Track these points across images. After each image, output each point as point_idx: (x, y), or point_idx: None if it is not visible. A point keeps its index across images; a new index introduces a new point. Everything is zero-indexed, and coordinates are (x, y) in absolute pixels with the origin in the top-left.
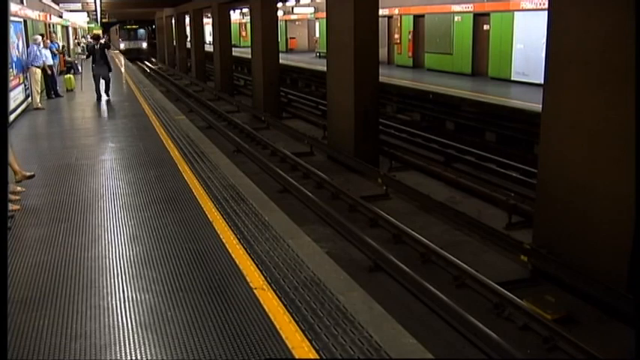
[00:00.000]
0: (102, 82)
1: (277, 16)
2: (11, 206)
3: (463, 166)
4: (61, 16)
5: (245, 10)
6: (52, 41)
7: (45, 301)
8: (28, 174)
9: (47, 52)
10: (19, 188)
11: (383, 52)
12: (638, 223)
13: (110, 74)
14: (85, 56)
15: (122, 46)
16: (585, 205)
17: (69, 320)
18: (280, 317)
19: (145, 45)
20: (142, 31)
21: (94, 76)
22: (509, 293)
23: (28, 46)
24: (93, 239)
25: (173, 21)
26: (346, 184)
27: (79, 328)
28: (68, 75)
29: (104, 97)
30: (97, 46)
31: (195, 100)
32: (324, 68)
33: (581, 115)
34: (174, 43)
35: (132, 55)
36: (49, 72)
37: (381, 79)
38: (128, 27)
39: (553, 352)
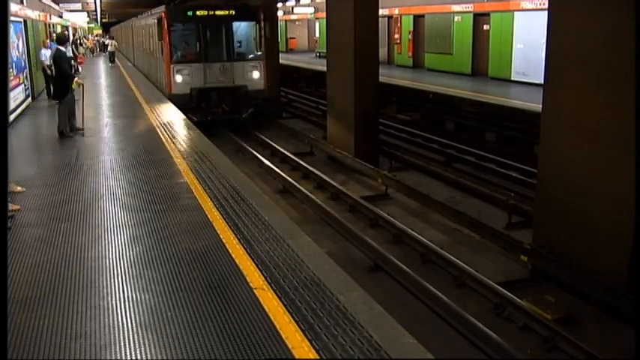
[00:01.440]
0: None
1: (277, 16)
2: (11, 206)
3: (463, 166)
4: (61, 16)
5: None
6: (52, 41)
7: (45, 301)
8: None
9: (47, 53)
10: (19, 188)
11: (383, 52)
12: (638, 223)
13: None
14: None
15: (179, 80)
16: (585, 205)
17: (69, 320)
18: (280, 317)
19: (257, 75)
20: (245, 26)
21: (62, 106)
22: (509, 293)
23: (38, 48)
24: (93, 239)
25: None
26: (346, 184)
27: (79, 328)
28: None
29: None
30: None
31: None
32: (324, 68)
33: (581, 115)
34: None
35: (216, 115)
36: (49, 72)
37: (381, 79)
38: (200, 14)
39: (553, 352)
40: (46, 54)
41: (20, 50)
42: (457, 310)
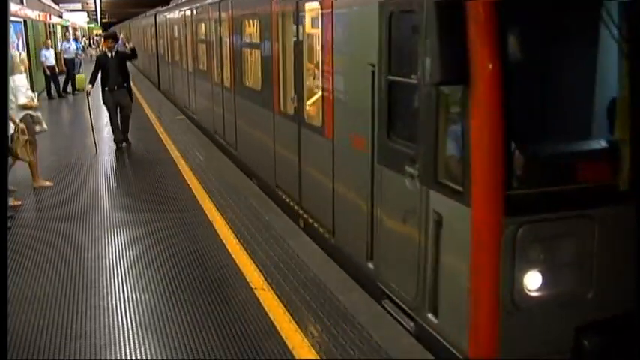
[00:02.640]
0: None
1: None
2: (12, 202)
3: None
4: (61, 16)
5: None
6: (76, 40)
7: (45, 301)
8: None
9: (48, 53)
10: (10, 187)
11: None
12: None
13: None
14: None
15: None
16: None
17: (69, 320)
18: (280, 317)
19: None
20: None
21: (108, 109)
22: None
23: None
24: (93, 239)
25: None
26: None
27: (79, 328)
28: (80, 75)
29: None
30: (112, 55)
31: None
32: None
33: None
34: None
35: None
36: (49, 72)
37: None
38: None
39: None
40: (46, 54)
41: (20, 50)
42: None
